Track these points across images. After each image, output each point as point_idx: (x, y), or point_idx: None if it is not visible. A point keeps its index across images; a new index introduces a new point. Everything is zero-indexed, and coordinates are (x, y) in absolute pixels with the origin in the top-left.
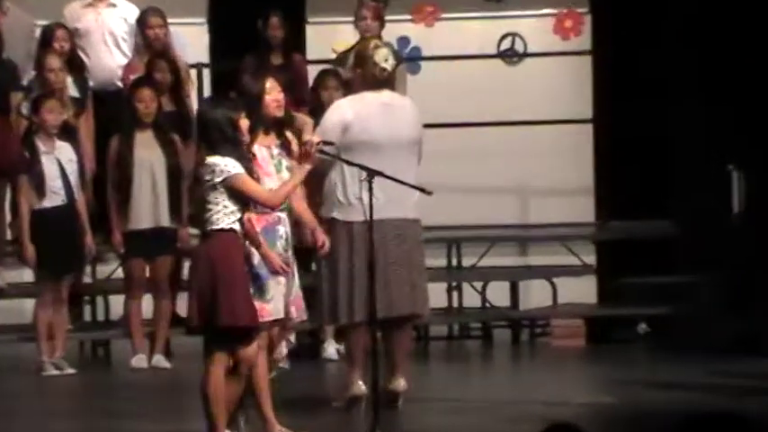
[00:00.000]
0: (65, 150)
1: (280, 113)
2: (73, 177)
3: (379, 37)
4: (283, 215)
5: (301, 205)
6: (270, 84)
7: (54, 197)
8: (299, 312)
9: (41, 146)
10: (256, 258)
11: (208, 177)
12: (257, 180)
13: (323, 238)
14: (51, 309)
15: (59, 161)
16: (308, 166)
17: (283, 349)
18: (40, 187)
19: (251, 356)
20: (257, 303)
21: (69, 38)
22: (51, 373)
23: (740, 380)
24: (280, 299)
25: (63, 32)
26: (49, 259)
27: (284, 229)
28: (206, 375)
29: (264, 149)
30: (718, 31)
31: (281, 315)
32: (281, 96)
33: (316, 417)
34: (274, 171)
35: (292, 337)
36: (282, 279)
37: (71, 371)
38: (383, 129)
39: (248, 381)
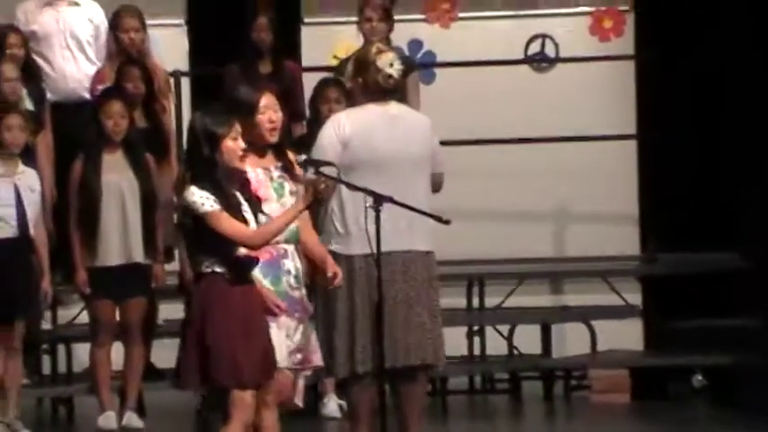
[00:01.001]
0: (27, 177)
1: (273, 139)
2: (31, 209)
3: (387, 40)
4: (290, 247)
5: (309, 236)
6: (266, 100)
7: (4, 228)
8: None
9: None
10: None
11: (181, 213)
12: (253, 208)
13: (334, 268)
14: (2, 360)
15: (17, 187)
16: (301, 206)
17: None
18: None
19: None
20: None
21: (24, 43)
22: None
23: None
24: (281, 347)
25: (16, 37)
26: None
27: (292, 264)
28: None
29: (261, 171)
30: None
31: (283, 364)
32: (277, 117)
33: None
34: (275, 195)
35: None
36: (290, 322)
37: None
38: (389, 144)
39: None
